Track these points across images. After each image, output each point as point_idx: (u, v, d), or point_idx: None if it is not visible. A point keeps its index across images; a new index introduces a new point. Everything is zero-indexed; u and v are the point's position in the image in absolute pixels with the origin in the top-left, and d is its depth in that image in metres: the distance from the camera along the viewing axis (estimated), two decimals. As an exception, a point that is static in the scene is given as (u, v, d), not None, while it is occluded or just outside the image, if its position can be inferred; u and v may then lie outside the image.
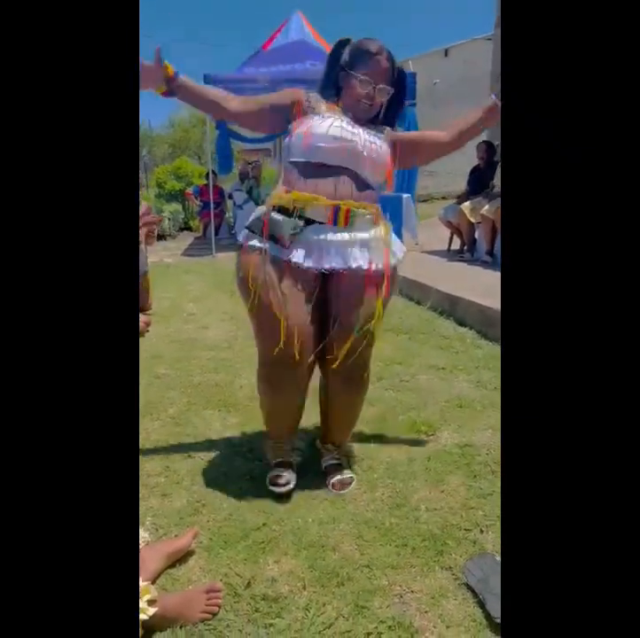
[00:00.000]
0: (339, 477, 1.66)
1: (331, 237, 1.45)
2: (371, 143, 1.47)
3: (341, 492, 1.62)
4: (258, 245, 1.47)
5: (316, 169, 1.45)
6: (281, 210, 1.45)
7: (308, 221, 1.44)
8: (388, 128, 1.59)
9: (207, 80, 6.37)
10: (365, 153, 1.46)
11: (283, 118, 1.54)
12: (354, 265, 1.45)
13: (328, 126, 1.44)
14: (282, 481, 1.60)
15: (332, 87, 1.55)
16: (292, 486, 1.60)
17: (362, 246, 1.47)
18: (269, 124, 1.60)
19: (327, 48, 7.01)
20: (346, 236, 1.45)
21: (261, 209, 1.51)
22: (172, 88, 1.46)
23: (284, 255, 1.44)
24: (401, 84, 1.57)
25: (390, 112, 1.59)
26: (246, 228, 1.52)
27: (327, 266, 1.45)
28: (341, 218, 1.44)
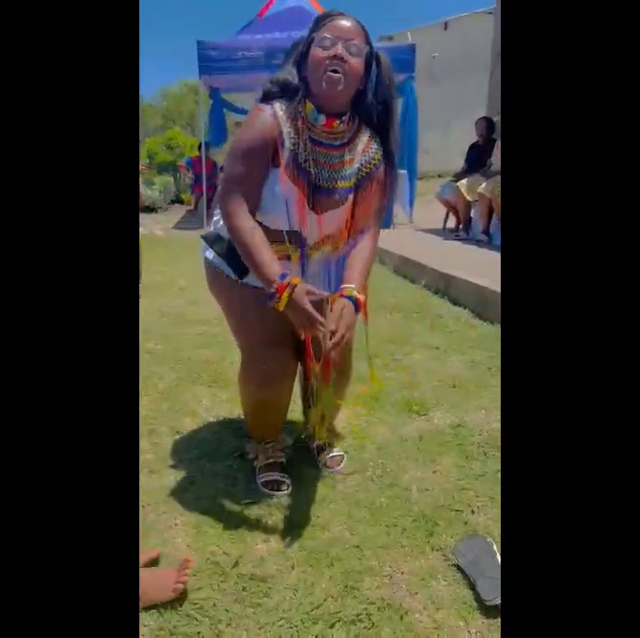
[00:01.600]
0: (330, 455, 1.64)
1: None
2: (326, 199, 1.29)
3: (334, 469, 1.61)
4: (217, 264, 1.42)
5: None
6: None
7: None
8: (376, 151, 1.33)
9: (201, 46, 6.19)
10: (313, 222, 1.31)
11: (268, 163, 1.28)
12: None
13: (284, 191, 1.26)
14: (283, 487, 1.50)
15: (297, 81, 1.25)
16: (289, 489, 1.51)
17: (323, 274, 1.42)
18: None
19: (324, 15, 6.78)
20: (306, 271, 1.37)
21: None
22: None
23: (243, 281, 1.39)
24: (382, 78, 1.27)
25: (379, 118, 1.31)
26: (204, 239, 1.42)
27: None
28: (294, 258, 1.34)
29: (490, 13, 8.61)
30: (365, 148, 1.33)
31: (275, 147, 1.25)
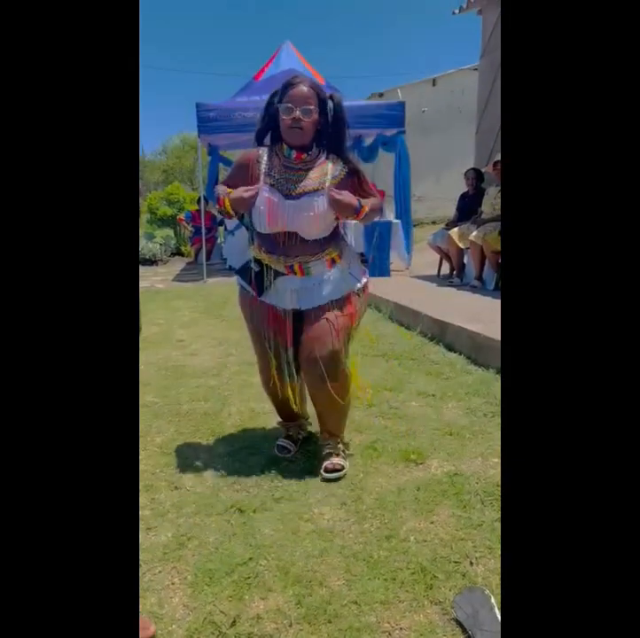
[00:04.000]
0: (329, 461, 1.88)
1: (293, 286, 1.82)
2: (300, 208, 1.70)
3: (330, 475, 1.83)
4: (245, 287, 1.92)
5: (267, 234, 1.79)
6: (258, 261, 1.84)
7: (277, 272, 1.81)
8: (341, 163, 1.78)
9: (199, 108, 6.47)
10: (291, 220, 1.72)
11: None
12: (316, 304, 1.81)
13: (259, 204, 1.72)
14: (285, 452, 2.03)
15: (273, 129, 1.77)
16: (292, 453, 2.03)
17: (319, 287, 1.81)
18: None
19: (317, 76, 7.16)
20: (306, 283, 1.81)
21: (249, 254, 1.90)
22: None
23: (260, 298, 1.87)
24: (338, 112, 1.74)
25: (335, 142, 1.77)
26: (236, 273, 1.94)
27: (291, 307, 1.84)
28: (297, 270, 1.79)
29: (475, 69, 9.04)
30: (333, 167, 1.77)
31: (254, 167, 1.77)
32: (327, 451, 1.92)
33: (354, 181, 1.80)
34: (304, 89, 1.68)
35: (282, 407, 2.06)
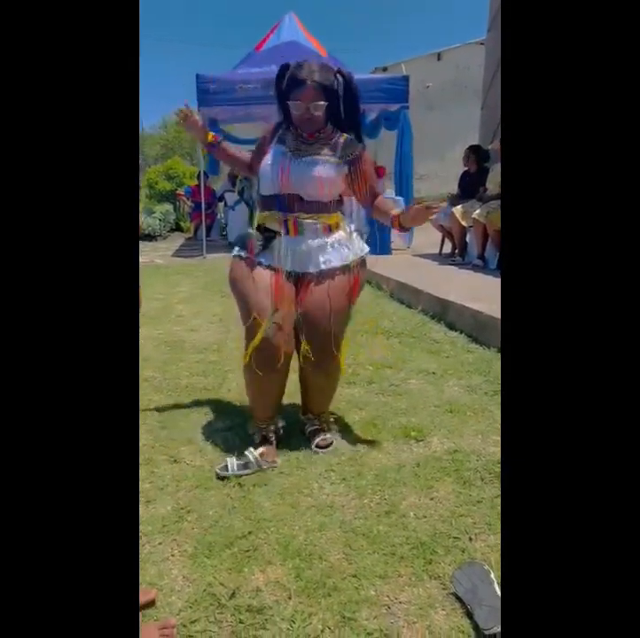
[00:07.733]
0: (321, 437, 1.89)
1: (287, 245, 1.76)
2: (306, 167, 1.73)
3: (324, 451, 1.86)
4: (240, 253, 1.86)
5: (270, 196, 1.80)
6: (258, 228, 1.84)
7: (272, 234, 1.79)
8: (354, 143, 1.79)
9: (200, 79, 6.33)
10: (296, 178, 1.72)
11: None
12: (312, 269, 1.77)
13: (266, 162, 1.79)
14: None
15: (284, 112, 1.81)
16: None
17: (318, 252, 1.77)
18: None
19: (319, 47, 6.99)
20: (302, 245, 1.76)
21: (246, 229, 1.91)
22: (211, 149, 1.94)
23: (255, 258, 1.81)
24: (349, 89, 1.76)
25: (350, 117, 1.80)
26: (232, 244, 2.00)
27: (287, 268, 1.77)
28: (291, 227, 1.75)
29: (482, 44, 8.84)
30: (345, 142, 1.79)
31: (267, 137, 1.86)
32: (315, 427, 1.94)
33: (365, 159, 1.81)
34: (312, 86, 1.68)
35: (267, 394, 1.86)
